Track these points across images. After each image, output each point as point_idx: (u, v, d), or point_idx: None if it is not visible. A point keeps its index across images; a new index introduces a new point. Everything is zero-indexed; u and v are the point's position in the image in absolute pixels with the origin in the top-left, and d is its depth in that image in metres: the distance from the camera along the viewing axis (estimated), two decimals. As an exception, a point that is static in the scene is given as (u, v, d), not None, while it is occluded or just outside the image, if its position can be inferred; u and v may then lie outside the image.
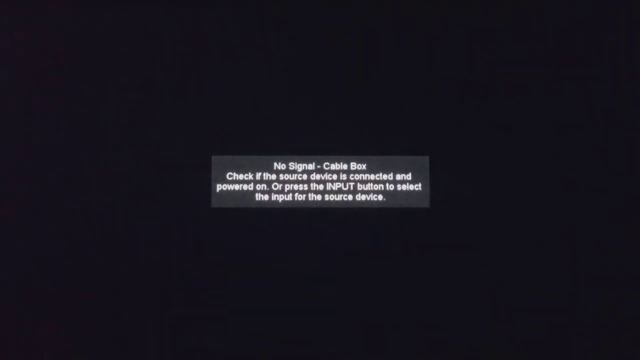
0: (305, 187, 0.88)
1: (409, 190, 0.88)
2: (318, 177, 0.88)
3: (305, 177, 0.88)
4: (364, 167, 0.88)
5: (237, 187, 0.88)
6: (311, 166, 0.88)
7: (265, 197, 0.88)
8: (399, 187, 0.88)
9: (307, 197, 0.88)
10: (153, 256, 0.86)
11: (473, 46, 0.90)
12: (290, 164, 0.88)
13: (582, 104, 0.89)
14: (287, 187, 0.88)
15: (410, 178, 0.88)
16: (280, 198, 0.88)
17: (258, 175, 0.88)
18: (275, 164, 0.88)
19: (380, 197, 0.88)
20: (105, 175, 0.87)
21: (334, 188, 0.88)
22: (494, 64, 0.90)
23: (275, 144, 0.89)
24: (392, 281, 0.86)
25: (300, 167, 0.88)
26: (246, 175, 0.88)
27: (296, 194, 0.88)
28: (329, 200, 0.88)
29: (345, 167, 0.88)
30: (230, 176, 0.88)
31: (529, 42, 0.90)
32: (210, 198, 0.87)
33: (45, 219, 0.86)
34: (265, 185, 0.88)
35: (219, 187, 0.88)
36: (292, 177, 0.88)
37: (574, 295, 0.86)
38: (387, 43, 0.90)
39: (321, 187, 0.88)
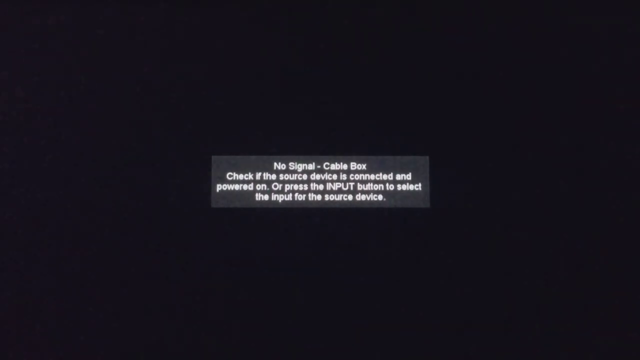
0: (305, 187, 0.88)
1: (409, 190, 0.88)
2: (318, 177, 0.88)
3: (305, 177, 0.88)
4: (364, 167, 0.88)
5: (237, 187, 0.88)
6: (311, 166, 0.89)
7: (265, 197, 0.88)
8: (399, 187, 0.88)
9: (307, 197, 0.88)
10: (153, 256, 0.86)
11: (473, 46, 0.90)
12: (290, 164, 0.89)
13: (583, 104, 0.89)
14: (287, 187, 0.88)
15: (410, 178, 0.88)
16: (280, 198, 0.88)
17: (258, 175, 0.88)
18: (275, 164, 0.88)
19: (380, 197, 0.88)
20: (105, 175, 0.87)
21: (334, 188, 0.88)
22: (494, 64, 0.90)
23: (275, 144, 0.89)
24: (392, 281, 0.86)
25: (300, 167, 0.88)
26: (246, 175, 0.88)
27: (296, 194, 0.88)
28: (329, 200, 0.88)
29: (345, 167, 0.89)
30: (230, 176, 0.88)
31: (529, 42, 0.90)
32: (210, 198, 0.87)
33: (45, 218, 0.86)
34: (265, 185, 0.88)
35: (219, 187, 0.88)
36: (292, 177, 0.88)
37: (574, 295, 0.86)
38: (388, 43, 0.90)
39: (321, 187, 0.88)
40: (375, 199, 0.88)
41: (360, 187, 0.88)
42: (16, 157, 0.87)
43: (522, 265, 0.87)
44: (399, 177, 0.88)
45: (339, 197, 0.88)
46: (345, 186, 0.88)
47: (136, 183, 0.87)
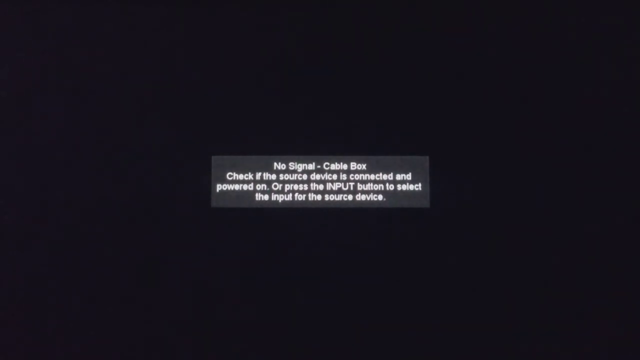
0: (305, 187, 0.88)
1: (409, 190, 0.88)
2: (318, 177, 0.88)
3: (305, 177, 0.88)
4: (364, 167, 0.88)
5: (237, 187, 0.88)
6: (311, 166, 0.89)
7: (265, 197, 0.88)
8: (399, 187, 0.88)
9: (307, 197, 0.88)
10: (153, 256, 0.86)
11: (473, 46, 0.90)
12: (290, 164, 0.89)
13: (583, 104, 0.89)
14: (287, 187, 0.88)
15: (410, 178, 0.88)
16: (280, 198, 0.88)
17: (258, 175, 0.88)
18: (275, 164, 0.88)
19: (380, 197, 0.88)
20: (105, 175, 0.87)
21: (334, 188, 0.88)
22: (494, 64, 0.90)
23: (275, 144, 0.89)
24: (392, 281, 0.86)
25: (300, 167, 0.88)
26: (246, 175, 0.88)
27: (296, 194, 0.88)
28: (329, 200, 0.88)
29: (345, 167, 0.89)
30: (230, 176, 0.88)
31: (529, 42, 0.90)
32: (210, 198, 0.87)
33: (45, 219, 0.86)
34: (265, 185, 0.88)
35: (219, 187, 0.88)
36: (292, 177, 0.88)
37: (574, 295, 0.86)
38: (388, 43, 0.90)
39: (321, 187, 0.88)
40: (375, 199, 0.88)
41: (360, 187, 0.88)
42: (15, 157, 0.87)
43: (522, 265, 0.87)
44: (399, 177, 0.88)
45: (339, 197, 0.88)
46: (345, 186, 0.88)
47: (136, 183, 0.87)
